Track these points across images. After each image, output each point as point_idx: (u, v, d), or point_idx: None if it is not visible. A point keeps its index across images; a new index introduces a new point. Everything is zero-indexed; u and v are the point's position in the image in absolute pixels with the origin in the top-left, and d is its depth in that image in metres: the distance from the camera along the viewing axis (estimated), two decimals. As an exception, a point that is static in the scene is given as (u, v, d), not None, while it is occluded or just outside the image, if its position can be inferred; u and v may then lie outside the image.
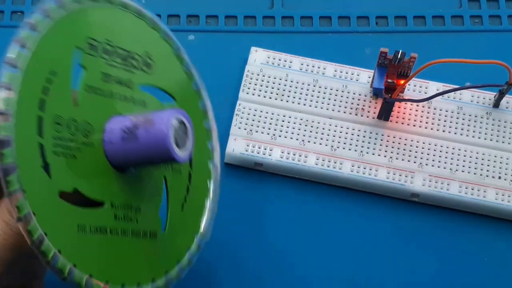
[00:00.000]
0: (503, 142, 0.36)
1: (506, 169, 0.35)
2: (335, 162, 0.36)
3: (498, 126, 0.37)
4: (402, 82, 0.35)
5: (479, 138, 0.36)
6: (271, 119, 0.36)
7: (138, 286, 0.27)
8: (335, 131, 0.36)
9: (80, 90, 0.26)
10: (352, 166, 0.35)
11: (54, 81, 0.24)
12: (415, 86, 0.37)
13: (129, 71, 0.28)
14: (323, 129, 0.36)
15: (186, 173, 0.30)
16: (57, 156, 0.24)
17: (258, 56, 0.38)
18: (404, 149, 0.36)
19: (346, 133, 0.36)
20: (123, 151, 0.26)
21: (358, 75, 0.38)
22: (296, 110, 0.37)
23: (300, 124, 0.36)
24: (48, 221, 0.24)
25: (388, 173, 0.35)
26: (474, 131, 0.36)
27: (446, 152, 0.36)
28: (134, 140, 0.25)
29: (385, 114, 0.36)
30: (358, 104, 0.37)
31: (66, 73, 0.25)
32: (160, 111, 0.26)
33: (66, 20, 0.25)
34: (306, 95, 0.37)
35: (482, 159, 0.36)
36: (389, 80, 0.35)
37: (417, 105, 0.37)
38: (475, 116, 0.37)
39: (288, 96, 0.37)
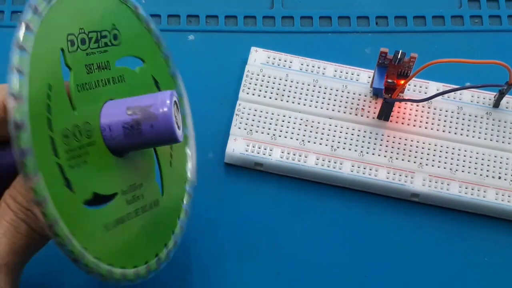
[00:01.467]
0: (503, 142, 0.36)
1: (506, 169, 0.35)
2: (335, 162, 0.36)
3: (498, 126, 0.37)
4: (402, 82, 0.35)
5: (479, 138, 0.36)
6: (271, 119, 0.36)
7: (156, 257, 0.28)
8: (335, 131, 0.36)
9: (73, 93, 0.25)
10: (352, 166, 0.35)
11: (52, 95, 0.24)
12: (415, 86, 0.37)
13: (104, 52, 0.27)
14: (323, 129, 0.36)
15: None
16: (73, 169, 0.24)
17: (258, 56, 0.38)
18: (404, 149, 0.36)
19: (346, 133, 0.36)
20: (126, 144, 0.26)
21: (358, 75, 0.38)
22: (296, 110, 0.37)
23: (300, 124, 0.36)
24: (81, 236, 0.24)
25: (388, 173, 0.35)
26: (474, 131, 0.36)
27: (446, 152, 0.36)
28: (138, 135, 0.26)
29: (385, 114, 0.36)
30: (358, 104, 0.37)
31: (59, 81, 0.24)
32: (156, 99, 0.26)
33: (43, 26, 0.24)
34: (306, 95, 0.37)
35: (482, 159, 0.36)
36: (389, 80, 0.35)
37: (417, 105, 0.37)
38: (475, 116, 0.37)
39: (288, 96, 0.37)
